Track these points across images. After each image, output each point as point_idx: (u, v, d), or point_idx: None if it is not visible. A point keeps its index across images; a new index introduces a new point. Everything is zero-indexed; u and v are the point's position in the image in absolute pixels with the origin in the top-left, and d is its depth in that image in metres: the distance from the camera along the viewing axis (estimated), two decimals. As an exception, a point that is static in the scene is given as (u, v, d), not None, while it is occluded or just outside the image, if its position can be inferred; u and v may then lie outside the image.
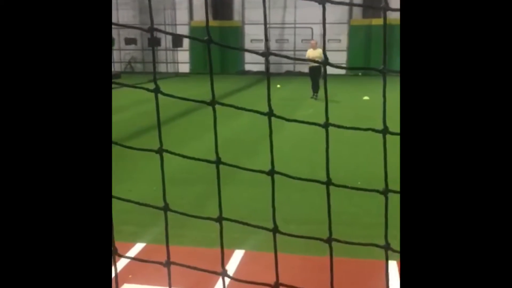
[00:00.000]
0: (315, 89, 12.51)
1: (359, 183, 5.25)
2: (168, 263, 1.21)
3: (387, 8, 1.01)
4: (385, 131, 1.07)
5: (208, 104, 1.15)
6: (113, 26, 1.08)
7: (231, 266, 3.37)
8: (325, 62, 1.00)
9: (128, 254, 3.56)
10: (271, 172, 1.15)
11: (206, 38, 1.12)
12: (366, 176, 5.51)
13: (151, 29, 1.10)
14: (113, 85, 1.09)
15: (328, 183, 1.11)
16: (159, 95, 1.16)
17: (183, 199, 4.68)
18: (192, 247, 3.65)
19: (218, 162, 1.18)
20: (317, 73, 12.47)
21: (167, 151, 1.17)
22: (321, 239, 1.10)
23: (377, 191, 1.10)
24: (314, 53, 12.48)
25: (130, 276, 3.21)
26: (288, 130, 8.53)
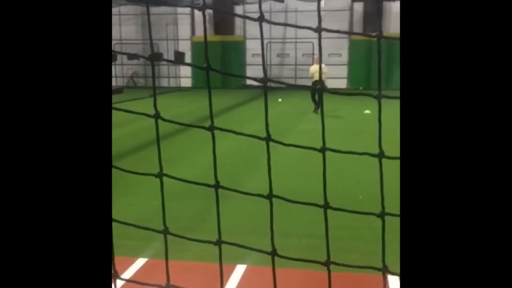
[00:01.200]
0: (318, 103, 12.55)
1: (360, 197, 5.24)
2: (168, 287, 1.21)
3: (380, 36, 1.02)
4: (381, 155, 1.07)
5: (207, 129, 1.15)
6: (115, 41, 1.09)
7: (233, 282, 3.34)
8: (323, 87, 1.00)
9: (129, 270, 3.54)
10: (270, 196, 1.16)
11: (204, 65, 1.13)
12: (367, 189, 5.49)
13: (152, 57, 1.10)
14: (113, 101, 1.10)
15: (326, 206, 1.11)
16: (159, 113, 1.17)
17: (183, 213, 4.66)
18: (193, 261, 3.63)
19: (217, 186, 1.19)
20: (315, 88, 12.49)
21: (166, 175, 1.17)
22: (319, 262, 1.10)
23: (374, 214, 1.10)
24: (317, 68, 12.56)
25: (131, 291, 3.19)
26: (289, 142, 8.49)
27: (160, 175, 1.16)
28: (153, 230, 1.19)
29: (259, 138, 1.12)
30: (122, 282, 3.34)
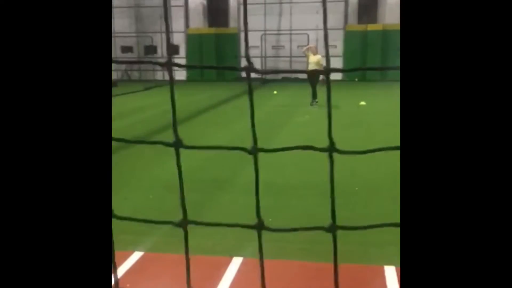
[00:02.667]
0: (314, 95, 12.49)
1: (356, 188, 5.25)
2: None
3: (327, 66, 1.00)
4: (331, 148, 1.03)
5: (171, 145, 1.08)
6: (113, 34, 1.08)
7: (229, 273, 3.35)
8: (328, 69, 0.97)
9: (125, 263, 3.54)
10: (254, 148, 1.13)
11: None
12: (362, 182, 5.50)
13: (169, 63, 1.06)
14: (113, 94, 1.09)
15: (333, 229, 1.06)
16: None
17: (179, 207, 4.65)
18: (192, 255, 3.63)
19: (255, 149, 1.16)
20: (313, 78, 12.47)
21: (184, 146, 1.08)
22: (323, 228, 1.05)
23: (323, 228, 1.05)
24: (314, 58, 12.53)
25: (128, 285, 3.19)
26: (285, 136, 8.53)
27: (176, 145, 1.07)
28: (171, 223, 1.17)
29: (246, 150, 1.08)
30: (121, 273, 3.35)
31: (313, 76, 12.39)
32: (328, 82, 1.00)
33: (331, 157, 1.00)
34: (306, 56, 12.61)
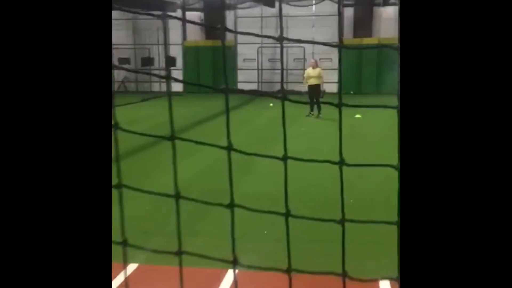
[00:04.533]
0: (313, 108, 12.59)
1: (351, 201, 5.25)
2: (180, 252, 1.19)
3: (341, 45, 1.02)
4: (341, 162, 1.07)
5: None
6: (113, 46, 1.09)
7: (224, 286, 3.33)
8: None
9: (120, 275, 3.51)
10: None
11: (222, 87, 1.12)
12: (358, 194, 5.50)
13: (167, 77, 1.09)
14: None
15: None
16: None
17: (174, 219, 4.63)
18: (185, 267, 3.61)
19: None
20: (316, 92, 12.59)
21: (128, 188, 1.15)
22: (280, 270, 1.09)
23: (334, 221, 1.09)
24: (314, 72, 12.67)
25: (122, 297, 3.16)
26: (280, 147, 8.49)
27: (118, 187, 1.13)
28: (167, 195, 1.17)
29: (247, 153, 1.11)
30: (117, 283, 3.32)
31: (315, 90, 12.49)
32: (340, 97, 1.02)
33: (340, 170, 1.02)
34: (307, 73, 12.73)
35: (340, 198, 1.11)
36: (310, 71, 12.86)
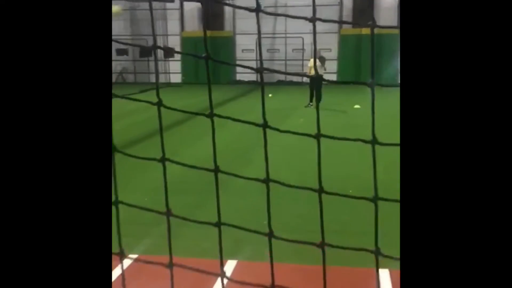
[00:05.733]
0: (312, 98, 12.60)
1: (350, 191, 5.26)
2: (170, 265, 1.21)
3: (374, 25, 1.02)
4: (373, 141, 1.08)
5: (207, 116, 1.17)
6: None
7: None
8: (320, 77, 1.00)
9: (119, 266, 3.53)
10: (266, 180, 1.18)
11: (204, 54, 1.14)
12: (356, 185, 5.51)
13: (167, 49, 1.11)
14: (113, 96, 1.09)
15: (320, 191, 1.13)
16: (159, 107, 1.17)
17: (173, 209, 4.64)
18: (184, 257, 3.63)
19: (216, 170, 1.21)
20: (318, 83, 12.58)
21: (169, 160, 1.18)
22: (313, 244, 1.10)
23: (367, 198, 1.11)
24: (318, 62, 12.68)
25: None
26: (278, 139, 8.50)
27: (162, 160, 1.17)
28: (157, 212, 1.19)
29: (256, 124, 1.15)
30: (116, 275, 3.33)
31: (314, 81, 12.46)
32: (372, 88, 1.03)
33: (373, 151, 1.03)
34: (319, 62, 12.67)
35: (373, 176, 1.11)
36: (311, 62, 12.88)
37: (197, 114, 1.21)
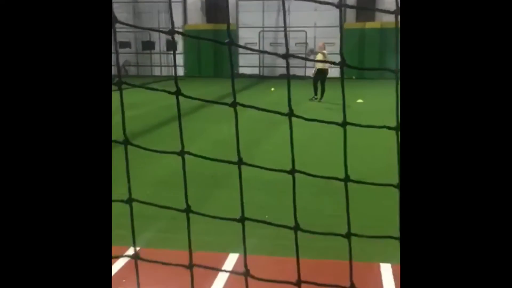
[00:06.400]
0: (317, 91, 12.60)
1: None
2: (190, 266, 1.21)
3: (398, 12, 1.00)
4: (398, 128, 1.08)
5: (230, 105, 1.18)
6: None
7: (225, 272, 3.36)
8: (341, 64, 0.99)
9: (121, 258, 3.54)
10: (293, 172, 1.19)
11: (227, 40, 1.13)
12: (359, 179, 5.51)
13: (172, 32, 1.10)
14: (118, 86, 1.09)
15: (346, 180, 1.15)
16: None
17: (176, 202, 4.65)
18: (187, 251, 3.64)
19: (240, 162, 1.22)
20: (322, 77, 12.58)
21: (189, 153, 1.18)
22: (341, 235, 1.11)
23: (392, 185, 1.11)
24: (319, 57, 12.67)
25: (123, 280, 3.19)
26: (283, 132, 8.50)
27: (182, 153, 1.17)
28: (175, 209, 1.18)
29: (282, 114, 1.17)
30: (117, 268, 3.34)
31: (321, 74, 12.45)
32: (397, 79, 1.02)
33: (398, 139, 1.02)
34: (322, 55, 12.61)
35: (399, 165, 1.10)
36: (319, 56, 12.83)
37: (219, 103, 1.22)
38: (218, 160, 1.27)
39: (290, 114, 1.14)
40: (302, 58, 1.16)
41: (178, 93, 1.15)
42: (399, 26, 1.02)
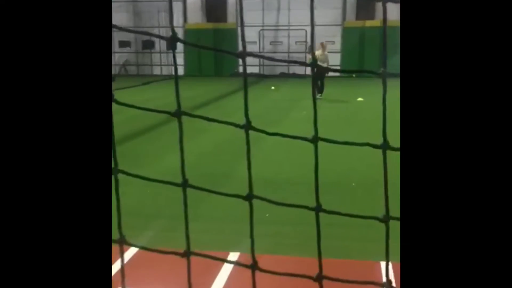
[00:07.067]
0: (319, 89, 12.72)
1: (353, 184, 5.26)
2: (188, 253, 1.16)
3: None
4: (385, 145, 1.04)
5: (173, 115, 1.12)
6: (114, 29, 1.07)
7: (226, 269, 3.36)
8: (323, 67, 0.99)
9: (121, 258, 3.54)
10: (249, 197, 1.11)
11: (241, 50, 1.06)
12: (360, 177, 5.51)
13: (172, 38, 1.08)
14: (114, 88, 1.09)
15: (318, 209, 1.08)
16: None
17: (175, 201, 4.65)
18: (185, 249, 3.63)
19: (184, 184, 1.14)
20: (322, 74, 12.78)
21: (188, 185, 1.14)
22: (310, 278, 1.08)
23: (377, 218, 1.08)
24: (320, 53, 12.84)
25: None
26: (282, 131, 8.48)
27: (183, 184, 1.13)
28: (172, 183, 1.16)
29: (238, 126, 1.09)
30: (117, 268, 3.35)
31: (321, 71, 12.66)
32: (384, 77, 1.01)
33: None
34: (323, 51, 12.79)
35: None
36: (318, 53, 12.97)
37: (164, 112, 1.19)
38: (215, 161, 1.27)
39: (248, 126, 1.08)
40: (296, 61, 1.13)
41: (179, 113, 1.13)
42: (384, 24, 1.02)
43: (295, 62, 1.07)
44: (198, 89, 15.45)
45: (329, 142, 1.04)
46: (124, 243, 1.14)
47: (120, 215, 1.13)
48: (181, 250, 1.20)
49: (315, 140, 1.04)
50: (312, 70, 1.02)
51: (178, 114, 1.08)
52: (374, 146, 1.00)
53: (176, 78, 1.11)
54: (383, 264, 3.36)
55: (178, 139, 1.11)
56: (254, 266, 1.10)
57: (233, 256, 3.51)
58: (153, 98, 12.39)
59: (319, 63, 12.68)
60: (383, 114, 0.99)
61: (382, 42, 1.01)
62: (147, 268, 3.42)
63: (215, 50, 1.24)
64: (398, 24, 0.99)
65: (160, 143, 7.29)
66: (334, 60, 20.50)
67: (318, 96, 12.75)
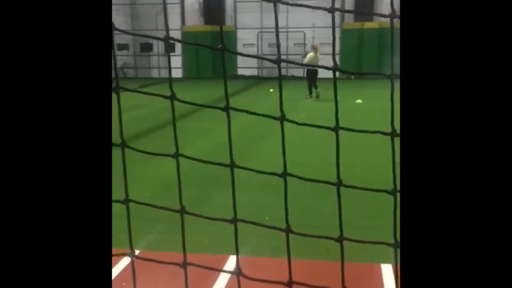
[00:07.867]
0: (311, 90, 13.06)
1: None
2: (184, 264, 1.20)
3: (392, 15, 1.00)
4: (393, 133, 1.07)
5: (222, 109, 1.18)
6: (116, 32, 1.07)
7: (226, 273, 3.35)
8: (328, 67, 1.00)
9: (121, 262, 3.53)
10: (284, 175, 1.18)
11: (220, 46, 1.14)
12: (360, 178, 5.50)
13: (167, 38, 1.09)
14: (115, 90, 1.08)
15: (339, 184, 1.14)
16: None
17: (176, 204, 4.64)
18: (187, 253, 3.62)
19: (232, 165, 1.22)
20: (314, 76, 13.21)
21: (183, 155, 1.19)
22: (332, 238, 1.10)
23: (386, 191, 1.10)
24: (312, 56, 13.17)
25: (124, 284, 3.18)
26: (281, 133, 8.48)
27: (176, 156, 1.19)
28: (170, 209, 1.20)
29: (274, 118, 1.19)
30: (117, 271, 3.33)
31: (315, 73, 12.92)
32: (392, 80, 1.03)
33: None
34: (315, 53, 13.08)
35: (393, 169, 1.10)
36: (308, 55, 13.31)
37: (210, 107, 1.21)
38: (210, 162, 1.27)
39: (282, 118, 1.15)
40: (293, 62, 1.17)
41: (172, 97, 1.15)
42: (394, 27, 1.02)
43: (287, 61, 1.12)
44: (196, 92, 15.44)
45: (348, 130, 1.12)
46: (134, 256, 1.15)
47: (130, 226, 1.12)
48: (181, 254, 1.20)
49: (336, 129, 1.09)
50: (313, 71, 1.03)
51: (226, 109, 1.15)
52: (385, 134, 1.06)
53: (169, 80, 1.10)
54: (382, 266, 3.36)
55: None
56: (239, 273, 1.16)
57: (233, 259, 3.50)
58: (151, 101, 12.39)
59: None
60: (391, 104, 1.01)
61: (381, 44, 1.01)
62: (147, 272, 3.40)
63: (200, 46, 1.24)
64: (398, 24, 0.99)
65: (159, 146, 7.27)
66: (332, 62, 20.51)
67: (308, 97, 12.93)
